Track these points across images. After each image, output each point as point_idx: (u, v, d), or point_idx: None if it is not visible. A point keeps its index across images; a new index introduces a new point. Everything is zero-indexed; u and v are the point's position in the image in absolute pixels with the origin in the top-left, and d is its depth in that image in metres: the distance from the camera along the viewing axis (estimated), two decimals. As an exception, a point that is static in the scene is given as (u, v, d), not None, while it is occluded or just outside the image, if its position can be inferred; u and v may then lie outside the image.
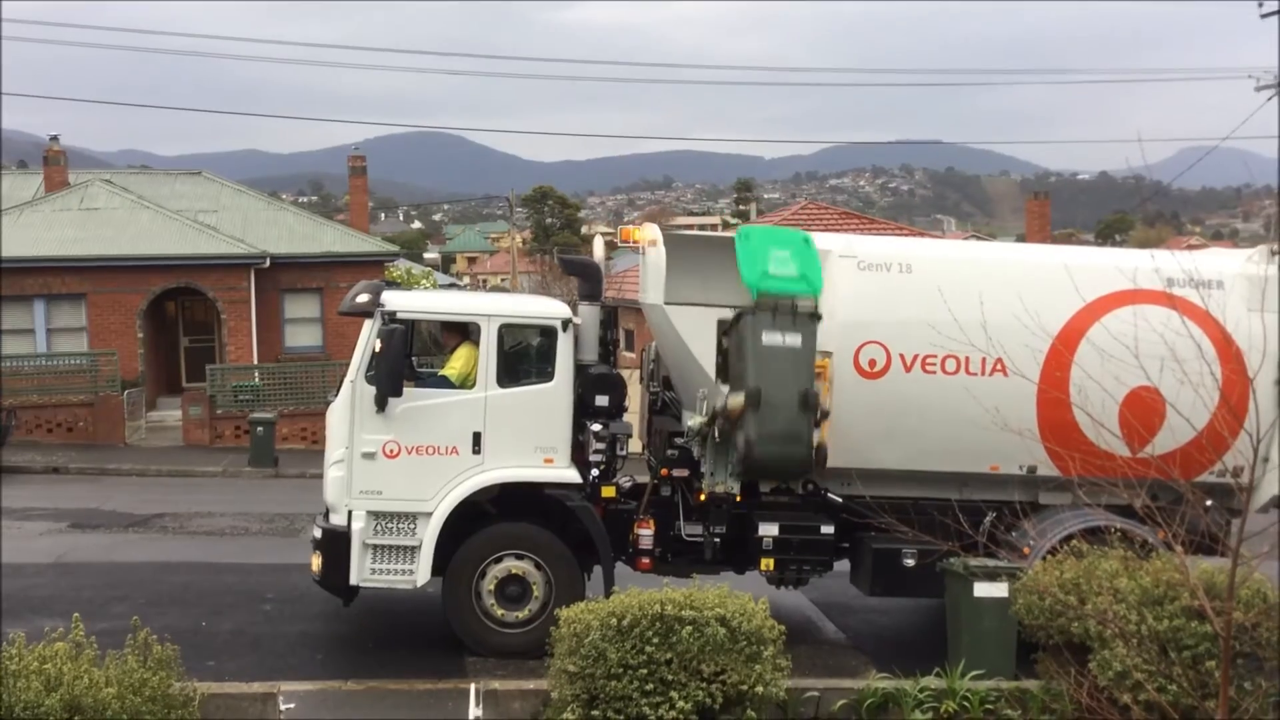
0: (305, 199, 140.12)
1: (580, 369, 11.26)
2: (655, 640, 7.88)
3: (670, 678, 7.81)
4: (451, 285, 62.59)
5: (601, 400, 11.19)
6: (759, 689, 7.93)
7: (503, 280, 77.53)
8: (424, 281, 48.26)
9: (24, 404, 26.93)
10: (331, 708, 9.47)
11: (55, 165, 35.39)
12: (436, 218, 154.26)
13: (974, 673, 9.37)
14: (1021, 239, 52.23)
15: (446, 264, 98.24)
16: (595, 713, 7.81)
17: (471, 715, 8.19)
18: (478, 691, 8.54)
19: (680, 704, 7.70)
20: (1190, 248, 11.64)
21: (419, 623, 11.84)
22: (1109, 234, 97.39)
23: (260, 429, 24.52)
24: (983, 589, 10.19)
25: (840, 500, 11.47)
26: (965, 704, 9.00)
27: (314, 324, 33.19)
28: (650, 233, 11.39)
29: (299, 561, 11.38)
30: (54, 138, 36.03)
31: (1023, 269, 11.69)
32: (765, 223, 33.38)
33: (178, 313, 33.57)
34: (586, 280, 11.77)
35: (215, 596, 12.95)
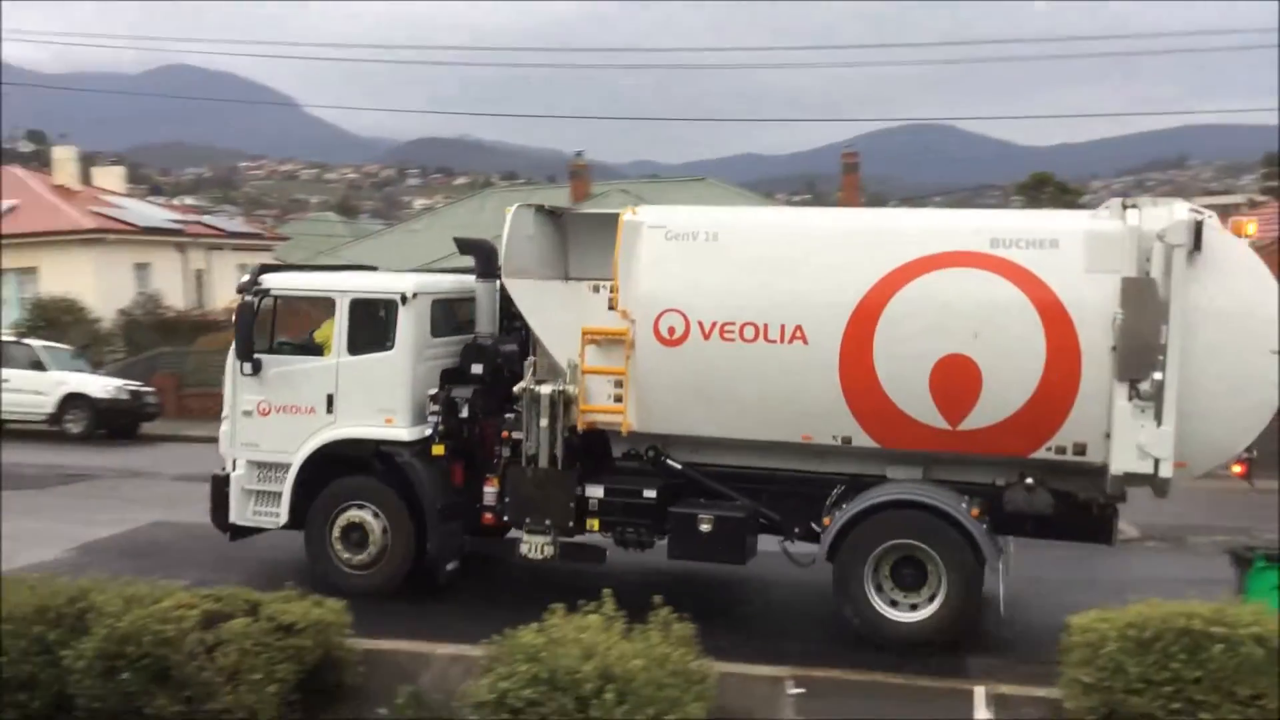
0: (799, 198, 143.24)
1: (473, 340, 12.34)
2: (1182, 656, 7.35)
3: (1200, 698, 7.25)
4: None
5: (476, 368, 12.22)
6: (1307, 719, 7.15)
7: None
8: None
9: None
10: (835, 697, 9.65)
11: (579, 178, 38.80)
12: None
13: None
14: None
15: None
16: (1114, 727, 7.42)
17: (978, 717, 8.04)
18: (987, 694, 8.36)
19: (1212, 727, 7.12)
20: None
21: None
22: None
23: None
24: None
25: (678, 467, 11.77)
26: None
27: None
28: (512, 207, 11.94)
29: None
30: (579, 153, 39.54)
31: (833, 235, 11.40)
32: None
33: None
34: (479, 258, 12.52)
35: (722, 581, 13.63)
